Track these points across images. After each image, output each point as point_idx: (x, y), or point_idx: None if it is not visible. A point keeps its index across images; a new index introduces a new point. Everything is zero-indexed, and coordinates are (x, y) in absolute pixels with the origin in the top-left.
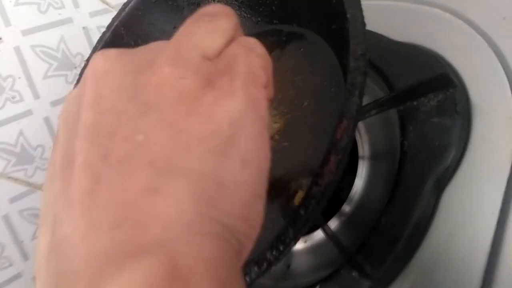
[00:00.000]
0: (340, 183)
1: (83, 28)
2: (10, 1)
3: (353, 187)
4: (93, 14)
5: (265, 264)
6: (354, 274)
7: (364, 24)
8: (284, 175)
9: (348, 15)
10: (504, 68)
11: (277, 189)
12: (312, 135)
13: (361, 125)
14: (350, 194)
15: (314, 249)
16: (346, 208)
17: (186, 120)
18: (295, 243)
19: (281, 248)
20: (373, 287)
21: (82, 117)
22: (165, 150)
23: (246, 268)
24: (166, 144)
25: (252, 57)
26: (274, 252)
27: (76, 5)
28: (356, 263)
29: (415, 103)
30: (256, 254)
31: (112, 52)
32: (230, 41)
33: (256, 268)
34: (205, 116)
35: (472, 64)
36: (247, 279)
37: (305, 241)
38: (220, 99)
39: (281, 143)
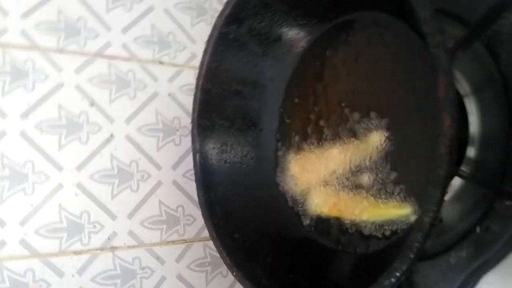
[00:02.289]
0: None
1: (169, 94)
2: (105, 102)
3: (470, 125)
4: (171, 79)
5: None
6: (508, 203)
7: None
8: None
9: None
10: None
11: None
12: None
13: None
14: (470, 134)
15: (458, 197)
16: (472, 148)
17: None
18: (443, 197)
19: (433, 208)
20: None
21: None
22: None
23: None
24: None
25: None
26: (429, 214)
27: (155, 79)
28: (505, 193)
29: (493, 28)
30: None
31: None
32: None
33: (419, 236)
34: None
35: None
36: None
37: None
38: None
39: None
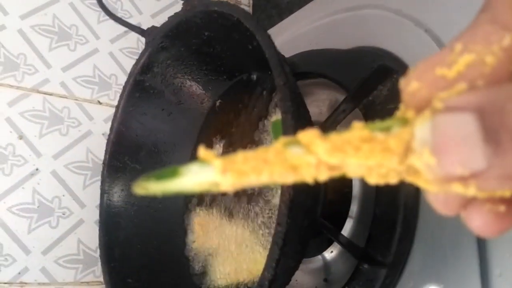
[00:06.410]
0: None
1: (103, 134)
2: (35, 136)
3: (353, 188)
4: (107, 119)
5: (263, 285)
6: (366, 266)
7: (279, 58)
8: None
9: (266, 56)
10: (433, 40)
11: None
12: None
13: None
14: (352, 195)
15: (341, 256)
16: (353, 208)
17: None
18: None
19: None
20: (390, 274)
21: None
22: None
23: None
24: None
25: None
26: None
27: (90, 118)
28: (367, 257)
29: (370, 98)
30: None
31: None
32: None
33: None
34: None
35: (408, 46)
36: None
37: (331, 252)
38: None
39: None
